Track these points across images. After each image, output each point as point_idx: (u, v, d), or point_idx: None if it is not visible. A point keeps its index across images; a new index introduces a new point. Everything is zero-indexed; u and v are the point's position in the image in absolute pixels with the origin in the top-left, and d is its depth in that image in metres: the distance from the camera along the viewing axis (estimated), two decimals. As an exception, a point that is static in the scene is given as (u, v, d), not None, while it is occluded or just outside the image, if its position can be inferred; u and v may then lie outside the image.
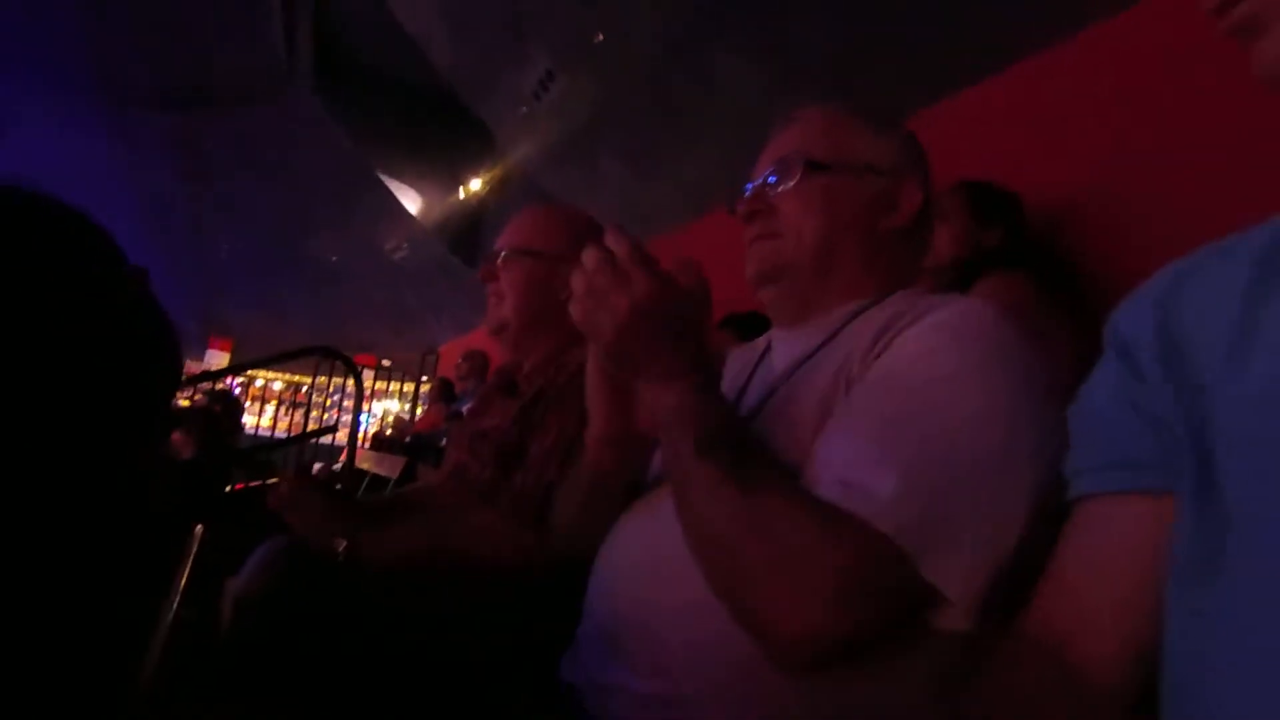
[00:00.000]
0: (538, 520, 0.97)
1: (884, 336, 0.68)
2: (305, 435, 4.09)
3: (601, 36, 3.92)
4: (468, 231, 7.38)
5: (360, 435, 3.80)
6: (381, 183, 7.35)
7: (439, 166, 7.33)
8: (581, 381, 1.00)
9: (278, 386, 9.07)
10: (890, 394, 0.62)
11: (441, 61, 5.36)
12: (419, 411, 6.40)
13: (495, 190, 6.85)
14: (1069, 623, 0.49)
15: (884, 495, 0.56)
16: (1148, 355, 0.48)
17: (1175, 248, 0.50)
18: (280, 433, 7.39)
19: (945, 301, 0.70)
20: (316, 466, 3.99)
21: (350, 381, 3.76)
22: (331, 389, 7.26)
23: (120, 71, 6.68)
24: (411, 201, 7.52)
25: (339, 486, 2.11)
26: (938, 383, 0.61)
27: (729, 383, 0.87)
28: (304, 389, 8.15)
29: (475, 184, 7.07)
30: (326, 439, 4.21)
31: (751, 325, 2.20)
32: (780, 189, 0.82)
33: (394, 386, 8.58)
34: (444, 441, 2.86)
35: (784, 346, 0.84)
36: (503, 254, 1.20)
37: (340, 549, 0.96)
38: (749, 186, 0.86)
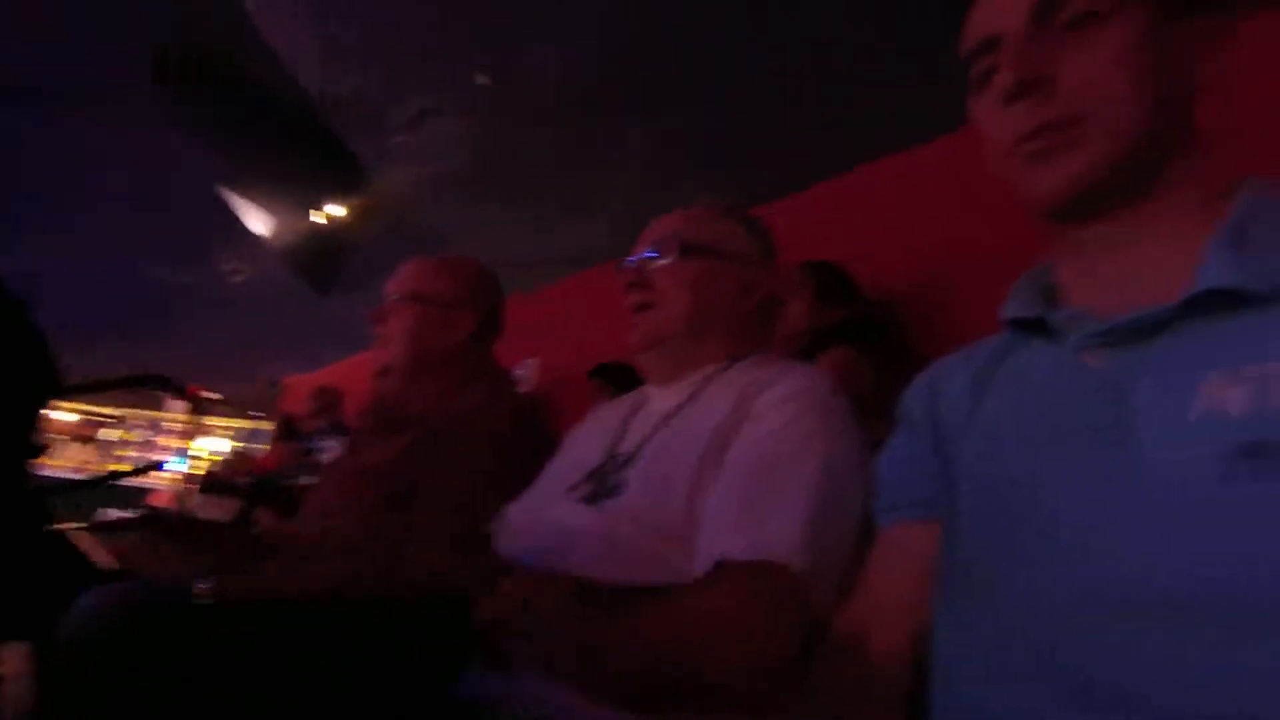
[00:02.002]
0: (423, 554, 0.98)
1: (746, 400, 0.83)
2: (117, 474, 3.64)
3: (489, 80, 3.95)
4: (324, 260, 7.02)
5: (182, 475, 3.47)
6: (224, 199, 6.83)
7: (296, 188, 6.94)
8: (475, 422, 1.08)
9: (70, 420, 7.91)
10: (760, 464, 0.77)
11: (310, 82, 5.15)
12: (248, 449, 5.90)
13: (359, 220, 6.60)
14: (868, 622, 0.66)
15: (774, 539, 0.70)
16: (921, 420, 0.69)
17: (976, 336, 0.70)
18: (69, 472, 6.44)
19: (792, 371, 0.88)
20: (111, 514, 3.53)
21: (172, 416, 3.44)
22: (146, 423, 6.53)
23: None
24: (260, 222, 7.04)
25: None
26: (795, 453, 0.77)
27: (604, 429, 0.99)
28: (100, 424, 7.21)
29: (337, 210, 6.78)
30: (131, 481, 3.74)
31: (622, 375, 2.31)
32: (658, 265, 0.97)
33: (224, 422, 7.85)
34: (292, 481, 2.70)
35: (659, 399, 0.97)
36: (394, 299, 1.24)
37: (203, 591, 0.91)
38: (632, 259, 1.01)
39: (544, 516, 0.90)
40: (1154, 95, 0.55)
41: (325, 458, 3.04)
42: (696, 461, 0.80)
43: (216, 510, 2.71)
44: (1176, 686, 0.44)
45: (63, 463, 7.39)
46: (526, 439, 1.12)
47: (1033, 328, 0.63)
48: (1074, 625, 0.49)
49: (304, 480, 2.64)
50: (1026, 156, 0.57)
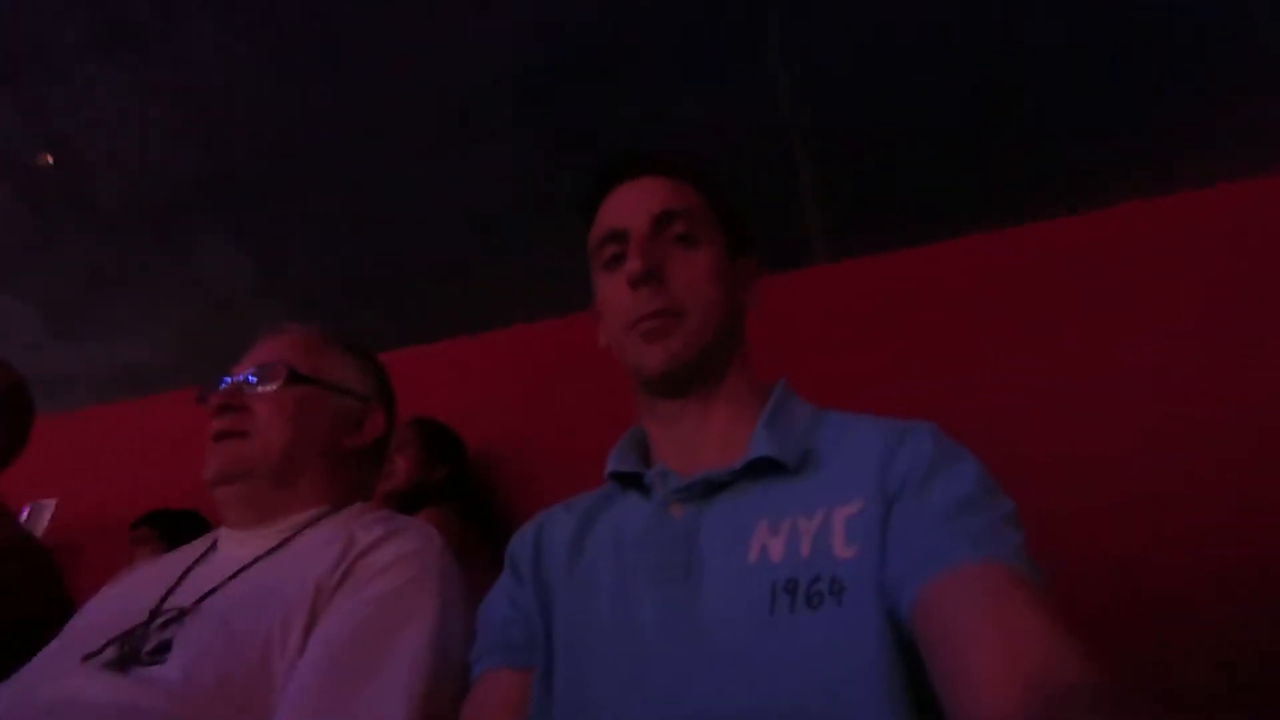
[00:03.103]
0: None
1: (348, 556, 0.75)
2: None
3: (50, 160, 3.33)
4: None
5: None
6: None
7: None
8: None
9: None
10: (360, 635, 0.69)
11: None
12: None
13: None
14: None
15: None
16: (526, 567, 0.74)
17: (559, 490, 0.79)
18: None
19: (401, 531, 0.80)
20: None
21: None
22: None
23: None
24: None
25: None
26: (400, 623, 0.71)
27: (152, 584, 0.81)
28: None
29: None
30: None
31: (176, 525, 1.97)
32: (259, 390, 0.87)
33: None
34: None
35: (235, 546, 0.84)
36: None
37: None
38: (226, 380, 0.89)
39: (41, 696, 0.68)
40: (728, 306, 0.73)
41: None
42: (280, 621, 0.69)
43: None
44: None
45: None
46: (21, 591, 0.89)
47: (630, 481, 0.74)
48: None
49: None
50: (643, 333, 0.70)
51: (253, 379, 0.88)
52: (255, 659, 0.67)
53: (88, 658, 0.71)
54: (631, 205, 0.75)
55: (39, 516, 2.66)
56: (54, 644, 0.77)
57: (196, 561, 0.83)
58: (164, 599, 0.77)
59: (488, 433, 2.42)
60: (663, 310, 0.70)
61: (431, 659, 0.70)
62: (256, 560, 0.79)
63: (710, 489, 0.66)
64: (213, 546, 0.86)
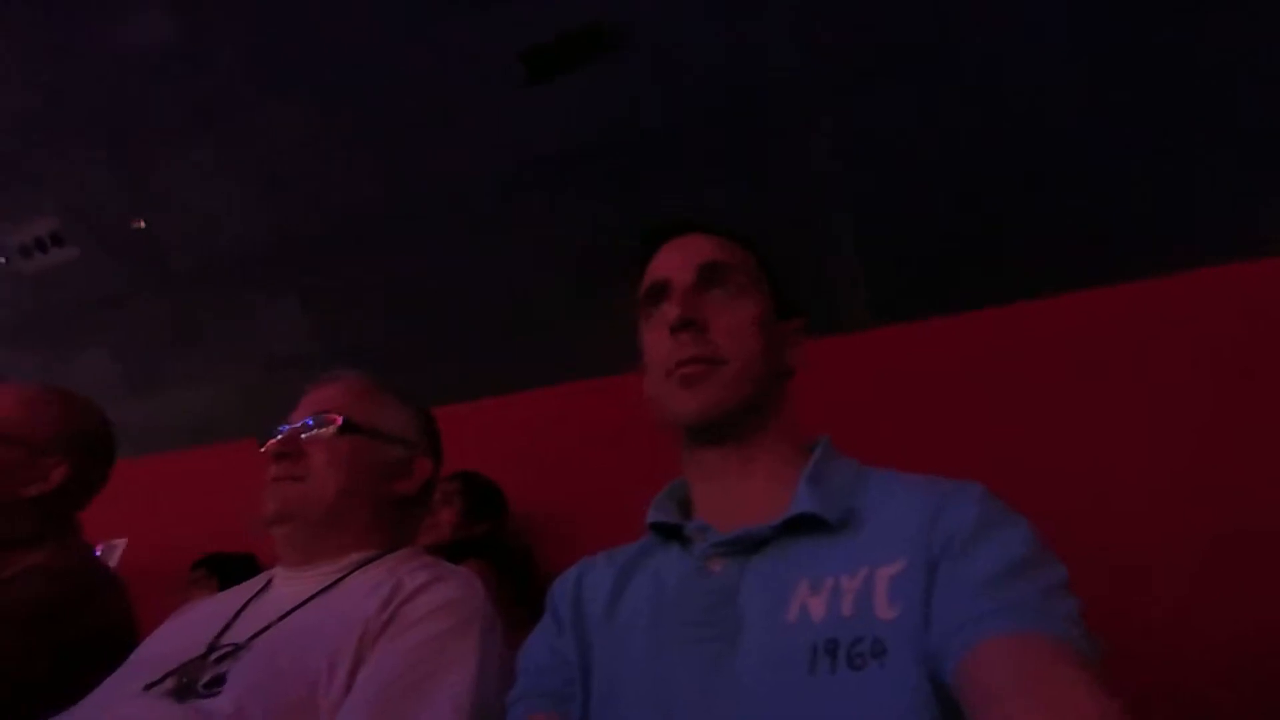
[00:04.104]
0: None
1: (394, 600, 0.77)
2: None
3: (143, 224, 3.59)
4: None
5: None
6: None
7: None
8: (12, 594, 0.89)
9: None
10: (404, 679, 0.70)
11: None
12: None
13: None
14: None
15: None
16: (566, 614, 0.73)
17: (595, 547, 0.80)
18: None
19: (445, 577, 0.82)
20: None
21: None
22: None
23: None
24: None
25: None
26: (443, 667, 0.72)
27: (209, 620, 0.85)
28: None
29: None
30: None
31: (233, 567, 2.05)
32: (314, 436, 0.91)
33: None
34: None
35: (287, 585, 0.88)
36: None
37: None
38: (284, 428, 0.94)
39: None
40: (771, 360, 0.73)
41: None
42: (327, 661, 0.72)
43: None
44: None
45: None
46: (81, 627, 0.92)
47: (670, 533, 0.73)
48: None
49: None
50: (680, 379, 0.70)
51: (310, 423, 0.93)
52: (303, 695, 0.70)
53: (148, 687, 0.74)
54: (678, 259, 0.77)
55: (110, 555, 2.79)
56: (118, 673, 0.81)
57: (252, 599, 0.88)
58: (220, 634, 0.80)
59: (529, 489, 2.46)
60: (702, 357, 0.71)
61: (472, 705, 0.71)
62: (306, 600, 0.82)
63: (751, 545, 0.65)
64: (268, 585, 0.90)
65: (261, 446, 0.93)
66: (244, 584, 0.94)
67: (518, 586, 1.87)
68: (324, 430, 0.92)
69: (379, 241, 3.14)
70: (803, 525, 0.64)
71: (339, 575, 0.86)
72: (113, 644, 0.87)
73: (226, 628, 0.82)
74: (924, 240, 2.36)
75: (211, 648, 0.78)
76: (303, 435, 0.92)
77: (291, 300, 3.45)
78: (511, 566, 1.99)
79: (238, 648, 0.77)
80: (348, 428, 0.92)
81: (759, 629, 0.59)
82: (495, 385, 2.87)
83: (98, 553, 2.78)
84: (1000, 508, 0.62)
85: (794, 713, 0.53)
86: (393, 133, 2.82)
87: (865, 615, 0.56)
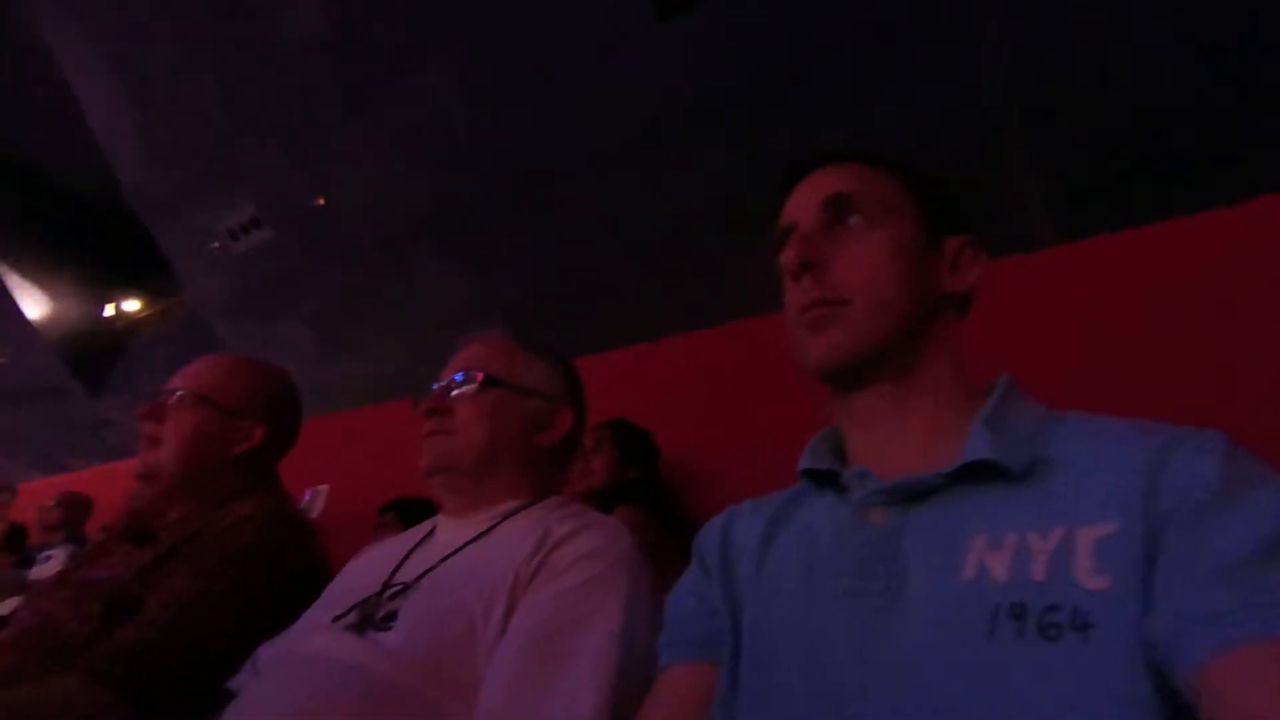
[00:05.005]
0: (128, 677, 0.85)
1: (544, 546, 0.80)
2: None
3: (322, 201, 3.96)
4: (101, 356, 6.25)
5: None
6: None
7: (84, 277, 6.27)
8: (222, 542, 0.99)
9: None
10: (553, 626, 0.73)
11: (127, 177, 4.85)
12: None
13: (154, 320, 6.04)
14: None
15: (564, 712, 0.68)
16: (713, 563, 0.71)
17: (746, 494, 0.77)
18: None
19: (594, 525, 0.85)
20: None
21: None
22: None
23: None
24: (34, 305, 6.21)
25: None
26: (590, 615, 0.74)
27: (385, 559, 0.92)
28: None
29: (130, 306, 6.18)
30: None
31: (415, 511, 2.25)
32: (460, 393, 0.97)
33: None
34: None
35: (448, 531, 0.94)
36: (178, 395, 1.14)
37: None
38: (435, 386, 1.00)
39: (300, 649, 0.82)
40: (913, 291, 0.65)
41: (39, 572, 2.64)
42: (483, 603, 0.76)
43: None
44: None
45: None
46: (291, 561, 1.04)
47: (824, 480, 0.68)
48: None
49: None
50: (805, 325, 0.65)
51: (458, 379, 0.98)
52: (463, 632, 0.75)
53: (335, 619, 0.83)
54: (802, 200, 0.71)
55: (316, 500, 3.20)
56: (314, 607, 0.92)
57: (419, 543, 0.95)
58: (392, 574, 0.88)
59: (678, 435, 2.47)
60: (822, 300, 0.65)
61: (619, 650, 0.72)
62: (465, 545, 0.87)
63: (916, 494, 0.59)
64: (433, 530, 0.97)
65: (414, 403, 1.00)
66: (415, 528, 1.02)
67: (669, 531, 1.89)
68: (468, 387, 0.97)
69: (530, 198, 3.24)
70: (978, 473, 0.57)
71: (492, 523, 0.90)
72: (309, 582, 0.98)
73: (398, 568, 0.89)
74: (1113, 151, 2.04)
75: (385, 586, 0.85)
76: (451, 392, 0.98)
77: (453, 260, 3.67)
78: (663, 512, 2.01)
79: (407, 586, 0.83)
80: (489, 383, 0.97)
81: (928, 586, 0.54)
82: (649, 332, 2.89)
83: (306, 499, 3.18)
84: (1248, 464, 0.50)
85: (970, 679, 0.48)
86: (536, 90, 2.86)
87: (1063, 581, 0.49)
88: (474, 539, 0.88)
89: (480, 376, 0.97)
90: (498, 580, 0.78)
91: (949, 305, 0.69)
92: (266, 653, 0.88)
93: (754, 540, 0.69)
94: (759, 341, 2.49)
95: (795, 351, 0.69)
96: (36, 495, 4.18)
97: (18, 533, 3.62)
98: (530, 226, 3.32)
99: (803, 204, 0.71)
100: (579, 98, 2.81)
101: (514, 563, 0.79)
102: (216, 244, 4.53)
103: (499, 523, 0.90)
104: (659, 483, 2.22)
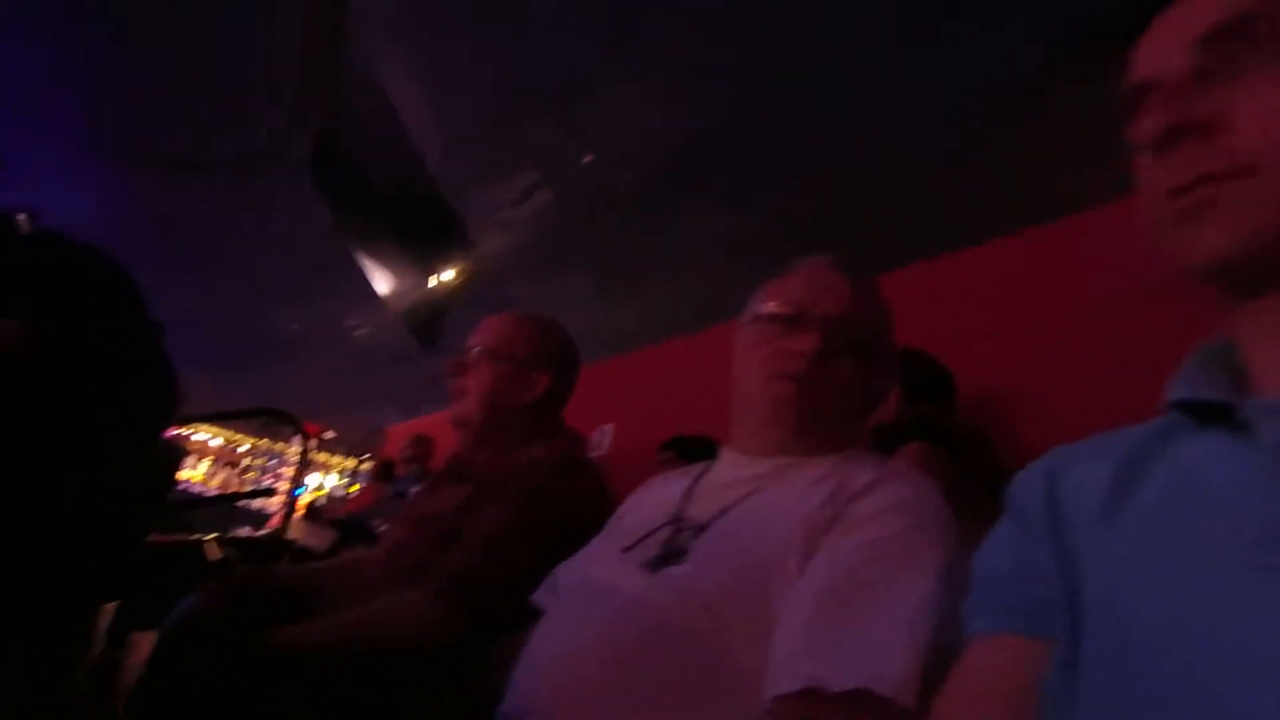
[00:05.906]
0: (458, 594, 1.01)
1: (839, 497, 0.76)
2: (238, 495, 3.98)
3: (591, 158, 4.20)
4: (431, 319, 7.48)
5: (295, 503, 3.74)
6: (353, 261, 7.43)
7: (414, 254, 7.49)
8: (521, 478, 1.11)
9: (216, 444, 8.79)
10: (857, 580, 0.68)
11: (435, 163, 5.61)
12: (354, 490, 6.26)
13: (463, 285, 7.04)
14: None
15: (875, 667, 0.61)
16: (1038, 517, 0.56)
17: (1066, 436, 0.61)
18: (212, 490, 7.13)
19: (894, 476, 0.80)
20: (242, 532, 3.84)
21: (291, 449, 3.75)
22: (269, 453, 7.13)
23: (125, 134, 6.69)
24: (383, 283, 7.62)
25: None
26: (897, 570, 0.68)
27: (666, 493, 0.94)
28: (240, 449, 8.01)
29: (448, 275, 7.26)
30: (255, 503, 4.08)
31: (694, 449, 2.31)
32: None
33: (334, 460, 8.40)
34: (377, 522, 2.83)
35: (734, 469, 0.92)
36: (475, 352, 1.29)
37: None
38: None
39: (591, 576, 0.89)
40: None
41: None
42: (778, 550, 0.73)
43: (315, 538, 2.87)
44: None
45: (209, 481, 8.15)
46: (576, 499, 1.13)
47: (1211, 416, 0.50)
48: None
49: (379, 523, 2.77)
50: (1178, 213, 0.48)
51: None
52: (758, 579, 0.72)
53: (625, 550, 0.86)
54: (1162, 41, 0.51)
55: (603, 439, 3.50)
56: (602, 535, 0.98)
57: (698, 479, 0.94)
58: (680, 510, 0.88)
59: (984, 362, 2.19)
60: (1210, 175, 0.46)
61: (935, 612, 0.64)
62: (753, 490, 0.84)
63: None
64: (713, 467, 0.96)
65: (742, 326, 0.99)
66: (694, 465, 1.02)
67: (968, 475, 1.69)
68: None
69: (788, 122, 3.11)
70: None
71: (782, 467, 0.87)
72: (592, 515, 1.06)
73: (685, 504, 0.89)
74: None
75: (675, 521, 0.86)
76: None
77: (717, 196, 3.67)
78: (960, 452, 1.80)
79: (701, 528, 0.82)
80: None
81: None
82: (933, 244, 2.61)
83: (595, 437, 3.48)
84: None
85: None
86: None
87: None
88: (764, 480, 0.86)
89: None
90: (791, 529, 0.75)
91: None
92: (564, 575, 0.96)
93: (1098, 489, 0.53)
94: (1077, 245, 2.09)
95: (1166, 247, 0.50)
96: (396, 436, 5.27)
97: (387, 467, 4.59)
98: (788, 153, 3.19)
99: (1161, 50, 0.51)
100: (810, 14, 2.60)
101: (805, 512, 0.76)
102: (504, 211, 5.08)
103: (789, 468, 0.86)
104: (956, 418, 1.99)
